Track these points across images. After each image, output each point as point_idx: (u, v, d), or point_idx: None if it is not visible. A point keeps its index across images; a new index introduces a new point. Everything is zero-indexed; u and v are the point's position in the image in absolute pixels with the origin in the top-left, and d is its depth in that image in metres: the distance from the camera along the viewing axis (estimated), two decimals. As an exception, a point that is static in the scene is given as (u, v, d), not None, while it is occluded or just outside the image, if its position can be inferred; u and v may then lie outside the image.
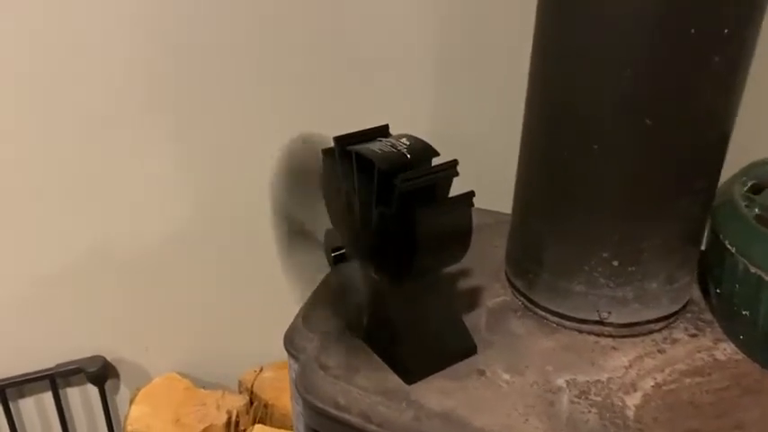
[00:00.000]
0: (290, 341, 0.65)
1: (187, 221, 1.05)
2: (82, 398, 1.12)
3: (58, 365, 1.06)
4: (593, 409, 0.55)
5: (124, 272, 1.06)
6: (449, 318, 0.60)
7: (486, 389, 0.57)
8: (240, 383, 1.14)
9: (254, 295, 1.11)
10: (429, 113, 1.00)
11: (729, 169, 0.65)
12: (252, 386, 1.12)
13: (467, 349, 0.60)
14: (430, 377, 0.58)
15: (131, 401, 1.08)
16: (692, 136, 0.55)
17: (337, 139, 0.56)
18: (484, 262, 0.74)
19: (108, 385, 1.11)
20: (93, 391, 1.10)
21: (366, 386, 0.57)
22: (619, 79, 0.52)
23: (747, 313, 0.58)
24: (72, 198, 0.99)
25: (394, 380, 0.58)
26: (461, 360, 0.59)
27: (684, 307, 0.65)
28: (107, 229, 1.03)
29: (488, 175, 0.81)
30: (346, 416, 0.56)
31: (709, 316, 0.66)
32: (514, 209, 0.67)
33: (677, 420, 0.54)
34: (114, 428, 1.13)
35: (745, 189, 0.63)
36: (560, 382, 0.58)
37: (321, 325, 0.65)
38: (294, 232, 0.61)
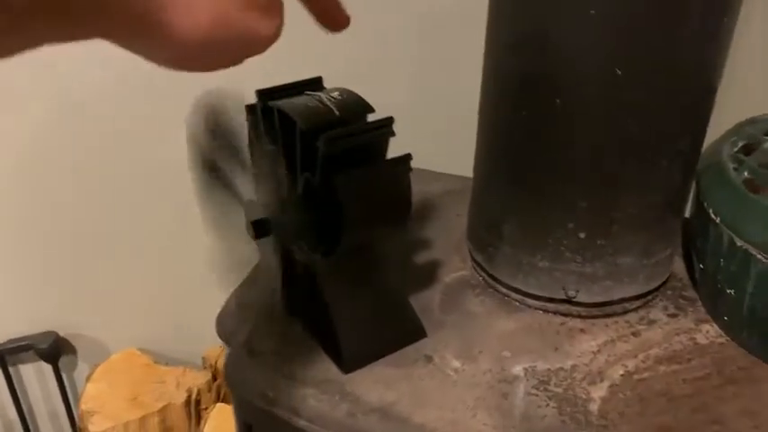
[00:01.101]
0: (221, 324, 0.58)
1: (144, 185, 0.98)
2: (37, 376, 1.07)
3: (8, 341, 1.00)
4: (552, 403, 0.48)
5: (78, 242, 1.00)
6: (393, 298, 0.53)
7: (432, 378, 0.50)
8: (204, 360, 1.09)
9: (218, 267, 1.04)
10: (400, 70, 0.93)
11: (719, 130, 0.58)
12: (216, 363, 1.06)
13: (413, 333, 0.53)
14: (370, 365, 0.51)
15: (87, 378, 1.02)
16: (672, 89, 0.47)
17: (259, 93, 0.48)
18: (445, 232, 0.67)
19: (64, 362, 1.06)
20: (49, 368, 1.05)
21: (298, 376, 0.51)
22: (582, 21, 0.44)
23: (732, 292, 0.51)
24: (20, 166, 0.92)
25: (330, 369, 0.51)
26: (407, 345, 0.53)
27: (664, 283, 0.58)
28: (57, 195, 0.96)
29: (461, 136, 0.73)
30: (274, 410, 0.50)
31: (692, 293, 0.59)
32: (475, 174, 0.60)
33: (647, 415, 0.47)
34: (72, 407, 1.08)
35: (735, 150, 0.55)
36: (517, 370, 0.51)
37: (256, 306, 0.58)
38: (223, 202, 0.53)
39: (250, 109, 0.50)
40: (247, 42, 0.26)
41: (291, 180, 0.48)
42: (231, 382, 0.53)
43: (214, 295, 1.07)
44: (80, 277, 1.02)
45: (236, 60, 0.27)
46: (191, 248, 1.04)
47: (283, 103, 0.46)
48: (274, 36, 0.27)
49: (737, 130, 0.56)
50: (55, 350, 1.01)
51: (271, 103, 0.47)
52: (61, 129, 0.91)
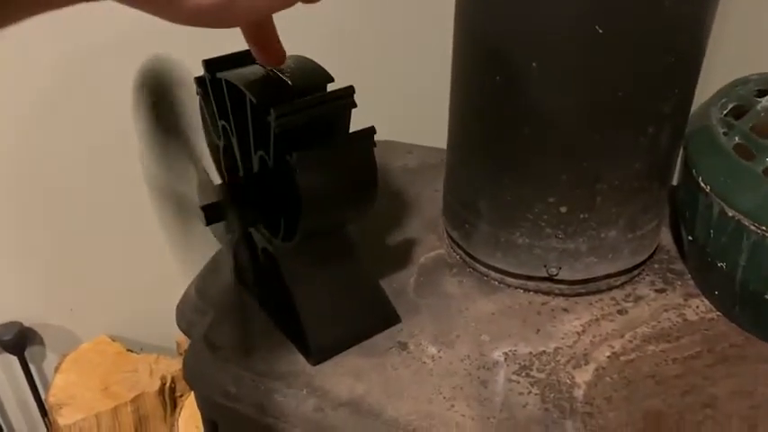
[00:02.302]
0: (181, 315, 0.54)
1: (109, 167, 0.92)
2: (4, 368, 1.02)
3: (-30, 334, 0.95)
4: (535, 389, 0.45)
5: (39, 227, 0.95)
6: (362, 282, 0.49)
7: (406, 367, 0.47)
8: (178, 345, 1.05)
9: (189, 246, 1.00)
10: (365, 35, 0.88)
11: (709, 91, 0.54)
12: (191, 347, 1.02)
13: (386, 319, 0.50)
14: (340, 355, 0.48)
15: (56, 369, 0.98)
16: (656, 48, 0.43)
17: (207, 64, 0.44)
18: (420, 209, 0.63)
19: (32, 353, 1.01)
20: (15, 360, 1.00)
21: (262, 370, 0.47)
22: (560, -27, 0.40)
23: (723, 265, 0.47)
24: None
25: (297, 361, 0.48)
26: (380, 332, 0.49)
27: (651, 256, 0.55)
28: (16, 181, 0.91)
29: (437, 104, 0.69)
30: (238, 406, 0.47)
31: (680, 265, 0.56)
32: (448, 147, 0.56)
33: (635, 399, 0.44)
34: (43, 399, 1.04)
35: (725, 113, 0.51)
36: (497, 354, 0.48)
37: (216, 295, 0.54)
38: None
39: (199, 81, 0.46)
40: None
41: (246, 159, 0.44)
42: (191, 379, 0.49)
43: (186, 278, 1.02)
44: (44, 263, 0.98)
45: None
46: (161, 230, 1.00)
47: (233, 74, 0.42)
48: None
49: (728, 90, 0.52)
50: (20, 341, 0.96)
51: (219, 75, 0.43)
52: (20, 117, 0.86)
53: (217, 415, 0.50)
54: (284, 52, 0.38)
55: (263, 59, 0.38)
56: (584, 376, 0.46)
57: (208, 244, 0.58)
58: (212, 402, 0.48)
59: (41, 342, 1.03)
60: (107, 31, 0.81)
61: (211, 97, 0.45)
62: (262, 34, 0.36)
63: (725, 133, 0.49)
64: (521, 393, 0.45)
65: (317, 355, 0.47)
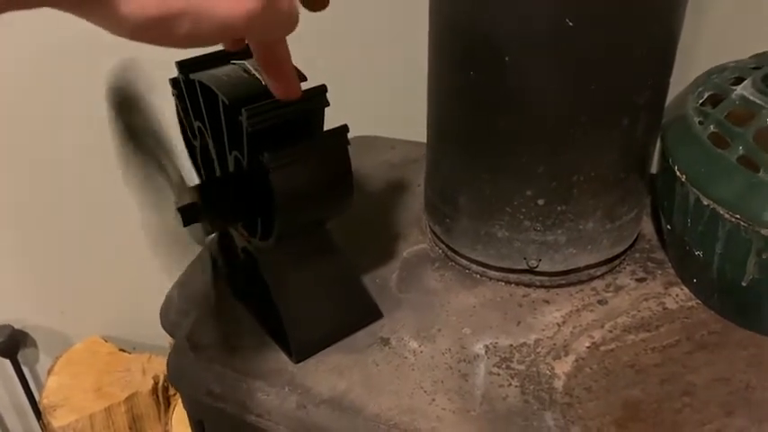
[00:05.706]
0: (165, 317, 0.55)
1: (96, 167, 0.92)
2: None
3: (-38, 339, 0.95)
4: (515, 381, 0.45)
5: (27, 229, 0.95)
6: (343, 278, 0.49)
7: (387, 363, 0.47)
8: (170, 344, 1.05)
9: (177, 246, 1.00)
10: (342, 29, 0.87)
11: (688, 79, 0.54)
12: (183, 346, 1.03)
13: (368, 315, 0.50)
14: (323, 352, 0.48)
15: (49, 371, 0.99)
16: (629, 38, 0.43)
17: (180, 65, 0.44)
18: (404, 204, 0.64)
19: (24, 355, 1.02)
20: (8, 362, 1.01)
21: (245, 369, 0.47)
22: (529, -34, 0.40)
23: (701, 254, 0.48)
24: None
25: (280, 359, 0.48)
26: (362, 328, 0.49)
27: (632, 245, 0.55)
28: (4, 177, 0.90)
29: (420, 100, 0.69)
30: (221, 405, 0.47)
31: (661, 254, 0.56)
32: (427, 142, 0.56)
33: (614, 389, 0.44)
34: (37, 401, 1.04)
35: (700, 102, 0.51)
36: (478, 347, 0.48)
37: (199, 295, 0.54)
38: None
39: (173, 82, 0.46)
40: (210, 22, 0.24)
41: (222, 159, 0.44)
42: (176, 380, 0.49)
43: (175, 276, 1.02)
44: (34, 266, 0.98)
45: (205, 39, 0.25)
46: (148, 229, 1.00)
47: (206, 75, 0.42)
48: (247, 14, 0.25)
49: (704, 79, 0.53)
50: (12, 344, 0.97)
51: (193, 76, 0.43)
52: (7, 119, 0.86)
53: (202, 414, 0.50)
54: (296, 88, 0.35)
55: (272, 90, 0.35)
56: (563, 367, 0.46)
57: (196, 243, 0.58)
58: (197, 402, 0.49)
59: (34, 344, 1.03)
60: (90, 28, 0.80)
61: (186, 98, 0.45)
62: (271, 60, 0.33)
63: (700, 122, 0.49)
64: (501, 386, 0.45)
65: (299, 353, 0.47)
